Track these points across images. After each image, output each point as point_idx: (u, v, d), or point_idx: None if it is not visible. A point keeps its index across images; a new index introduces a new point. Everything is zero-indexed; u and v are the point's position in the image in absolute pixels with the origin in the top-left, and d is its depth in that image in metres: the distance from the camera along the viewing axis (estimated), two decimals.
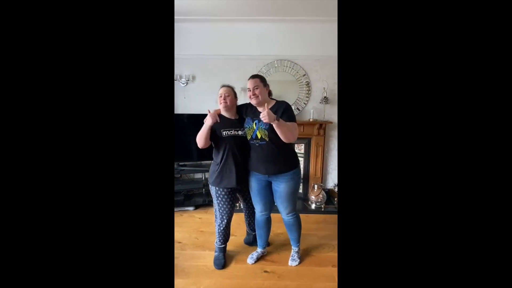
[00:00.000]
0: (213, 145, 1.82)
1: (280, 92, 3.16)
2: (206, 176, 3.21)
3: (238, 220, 2.52)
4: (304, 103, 3.18)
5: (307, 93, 3.17)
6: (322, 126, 3.09)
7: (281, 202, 1.83)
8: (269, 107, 1.69)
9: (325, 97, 3.05)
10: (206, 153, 3.09)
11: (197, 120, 3.04)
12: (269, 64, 3.13)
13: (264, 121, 1.45)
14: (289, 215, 1.87)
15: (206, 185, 3.08)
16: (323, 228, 2.58)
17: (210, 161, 3.16)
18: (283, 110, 1.62)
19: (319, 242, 2.32)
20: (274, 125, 1.50)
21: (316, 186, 3.01)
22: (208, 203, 3.03)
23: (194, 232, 2.46)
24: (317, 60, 3.09)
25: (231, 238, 2.33)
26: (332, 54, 2.91)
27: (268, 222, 1.97)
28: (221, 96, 1.78)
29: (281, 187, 1.77)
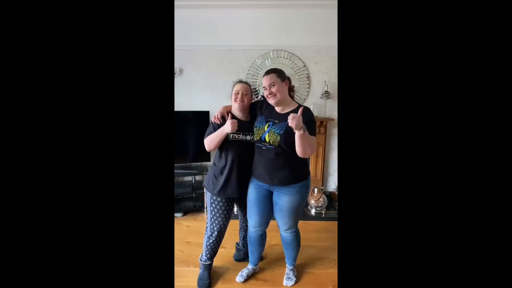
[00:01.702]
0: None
1: None
2: (197, 179, 2.96)
3: (229, 229, 2.25)
4: (303, 98, 2.90)
5: (306, 87, 2.89)
6: (322, 123, 2.81)
7: (281, 216, 1.57)
8: (290, 109, 1.44)
9: (326, 91, 2.77)
10: (196, 155, 2.89)
11: (185, 118, 2.78)
12: (264, 55, 2.84)
13: (290, 124, 1.23)
14: (288, 231, 1.61)
15: (196, 188, 2.82)
16: (323, 238, 2.32)
17: (200, 163, 2.94)
18: (306, 121, 1.33)
19: (318, 255, 2.06)
20: (297, 134, 1.26)
21: (316, 189, 2.74)
22: (199, 209, 2.78)
23: (180, 243, 2.21)
24: (318, 51, 2.79)
25: (219, 250, 2.08)
26: (334, 44, 2.58)
27: (262, 238, 1.70)
28: (237, 93, 1.53)
29: (283, 200, 1.50)
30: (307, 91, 2.89)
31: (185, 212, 2.75)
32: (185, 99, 2.87)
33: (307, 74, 2.86)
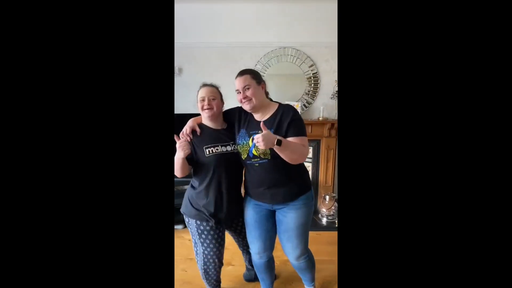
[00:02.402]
0: (190, 168, 1.31)
1: (282, 86, 2.68)
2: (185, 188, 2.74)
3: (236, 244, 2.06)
4: (312, 99, 2.71)
5: (315, 87, 2.70)
6: (333, 125, 2.62)
7: (288, 239, 1.33)
8: (269, 115, 1.24)
9: (337, 91, 2.58)
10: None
11: (186, 121, 2.58)
12: (270, 53, 2.65)
13: (260, 147, 1.05)
14: (300, 258, 1.37)
15: None
16: (330, 251, 2.12)
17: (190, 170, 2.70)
18: (289, 121, 1.15)
19: (336, 272, 1.86)
20: (276, 149, 1.09)
21: (328, 197, 2.55)
22: None
23: (182, 261, 2.00)
24: (327, 48, 2.61)
25: (227, 269, 1.88)
26: None
27: (270, 264, 1.47)
28: (203, 100, 1.29)
29: (289, 217, 1.28)
30: (316, 92, 2.70)
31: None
32: (185, 100, 2.66)
33: (315, 73, 2.67)
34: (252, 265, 1.70)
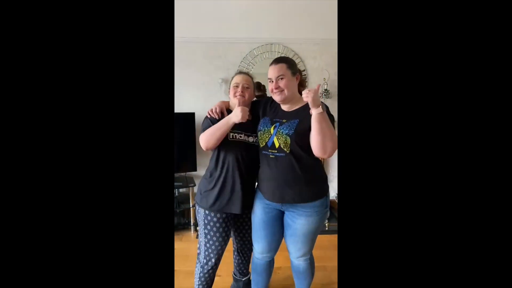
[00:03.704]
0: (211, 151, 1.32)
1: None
2: (181, 191, 2.58)
3: (225, 252, 1.93)
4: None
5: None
6: None
7: (293, 242, 1.27)
8: (298, 106, 1.20)
9: (325, 89, 2.53)
10: (180, 164, 2.48)
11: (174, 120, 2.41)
12: (257, 49, 2.54)
13: (305, 99, 1.03)
14: (301, 258, 1.32)
15: (181, 203, 2.45)
16: (330, 256, 2.05)
17: (184, 174, 2.56)
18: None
19: (329, 279, 1.79)
20: (314, 115, 1.05)
21: None
22: (185, 227, 2.42)
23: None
24: (317, 44, 2.54)
25: (215, 279, 1.75)
26: (334, 37, 2.34)
27: (270, 266, 1.40)
28: (236, 86, 1.28)
29: (298, 222, 1.21)
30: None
31: None
32: None
33: (304, 70, 2.58)
34: (242, 274, 1.59)
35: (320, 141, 1.04)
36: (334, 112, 2.47)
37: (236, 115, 1.14)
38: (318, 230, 1.27)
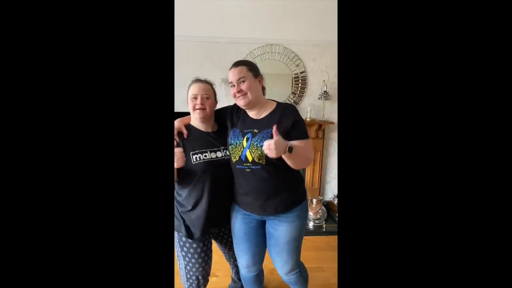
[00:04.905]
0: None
1: (268, 85, 2.57)
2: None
3: (220, 252, 1.92)
4: (299, 99, 2.62)
5: (302, 87, 2.61)
6: (321, 127, 2.56)
7: (278, 253, 1.20)
8: (266, 113, 1.12)
9: (325, 91, 2.52)
10: None
11: None
12: (256, 50, 2.53)
13: (270, 156, 0.93)
14: (291, 274, 1.25)
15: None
16: (328, 257, 2.05)
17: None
18: (292, 122, 1.03)
19: (326, 280, 1.79)
20: (284, 156, 0.97)
21: (314, 200, 2.47)
22: None
23: None
24: (316, 46, 2.54)
25: (211, 280, 1.73)
26: (334, 39, 2.34)
27: (259, 277, 1.35)
28: (195, 98, 1.13)
29: (280, 230, 1.15)
30: (303, 92, 2.62)
31: None
32: None
33: (303, 72, 2.59)
34: (239, 278, 1.58)
35: (295, 165, 1.03)
36: (334, 114, 2.50)
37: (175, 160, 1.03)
38: (301, 236, 1.21)
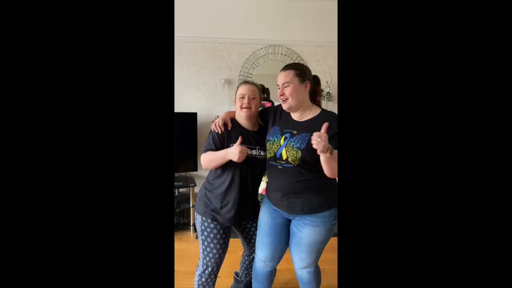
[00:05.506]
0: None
1: (271, 86, 2.57)
2: (181, 191, 2.58)
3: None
4: None
5: None
6: None
7: (297, 251, 1.23)
8: (309, 117, 1.15)
9: (328, 93, 2.53)
10: (181, 163, 2.46)
11: None
12: (260, 51, 2.54)
13: (314, 147, 0.95)
14: (305, 270, 1.27)
15: (181, 202, 2.45)
16: (328, 258, 2.02)
17: (185, 173, 2.55)
18: (333, 133, 1.02)
19: (328, 281, 1.78)
20: (322, 158, 0.99)
21: None
22: (184, 226, 2.41)
23: None
24: (319, 47, 2.55)
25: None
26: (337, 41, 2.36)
27: (271, 275, 1.36)
28: (243, 98, 1.24)
29: (304, 232, 1.17)
30: None
31: None
32: None
33: None
34: (245, 276, 1.58)
35: (329, 172, 1.03)
36: None
37: (234, 155, 1.11)
38: (325, 242, 1.22)
